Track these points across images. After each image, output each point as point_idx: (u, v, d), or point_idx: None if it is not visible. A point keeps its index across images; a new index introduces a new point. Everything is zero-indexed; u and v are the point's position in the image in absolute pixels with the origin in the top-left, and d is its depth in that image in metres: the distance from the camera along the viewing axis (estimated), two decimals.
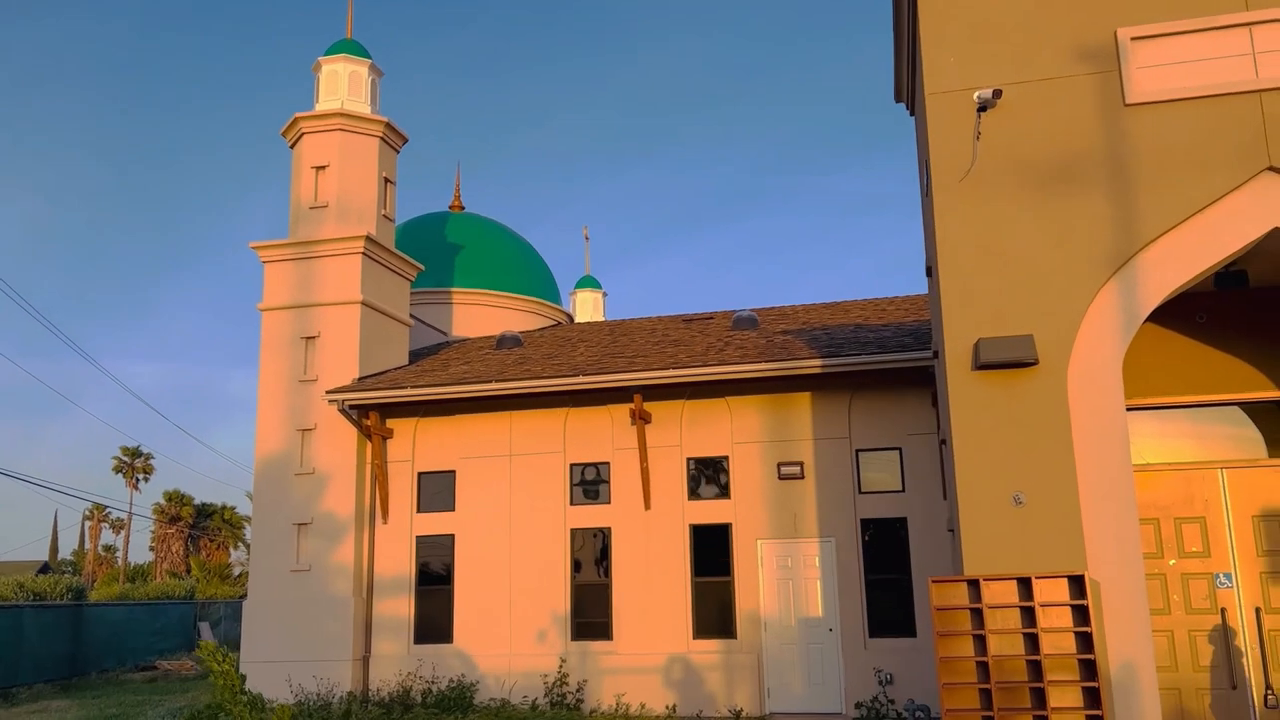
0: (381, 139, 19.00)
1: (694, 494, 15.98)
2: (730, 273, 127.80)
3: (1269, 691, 8.92)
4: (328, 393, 16.88)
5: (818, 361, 14.75)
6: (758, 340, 16.70)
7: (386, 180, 19.18)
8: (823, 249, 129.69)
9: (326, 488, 17.00)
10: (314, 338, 17.59)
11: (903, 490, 15.10)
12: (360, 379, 17.27)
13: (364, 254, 17.76)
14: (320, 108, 19.11)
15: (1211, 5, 8.22)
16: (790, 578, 15.27)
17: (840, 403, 15.55)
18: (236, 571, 47.57)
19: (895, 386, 15.18)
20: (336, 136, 18.57)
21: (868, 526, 15.14)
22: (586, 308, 28.12)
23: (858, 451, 15.40)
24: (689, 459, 16.06)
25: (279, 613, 16.70)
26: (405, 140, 19.63)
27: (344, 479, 16.98)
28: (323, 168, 18.52)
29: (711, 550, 15.71)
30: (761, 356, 15.35)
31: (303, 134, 18.75)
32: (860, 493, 15.25)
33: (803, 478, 15.46)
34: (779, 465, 15.60)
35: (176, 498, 55.24)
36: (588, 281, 28.59)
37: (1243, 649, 9.11)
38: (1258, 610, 9.14)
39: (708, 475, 16.05)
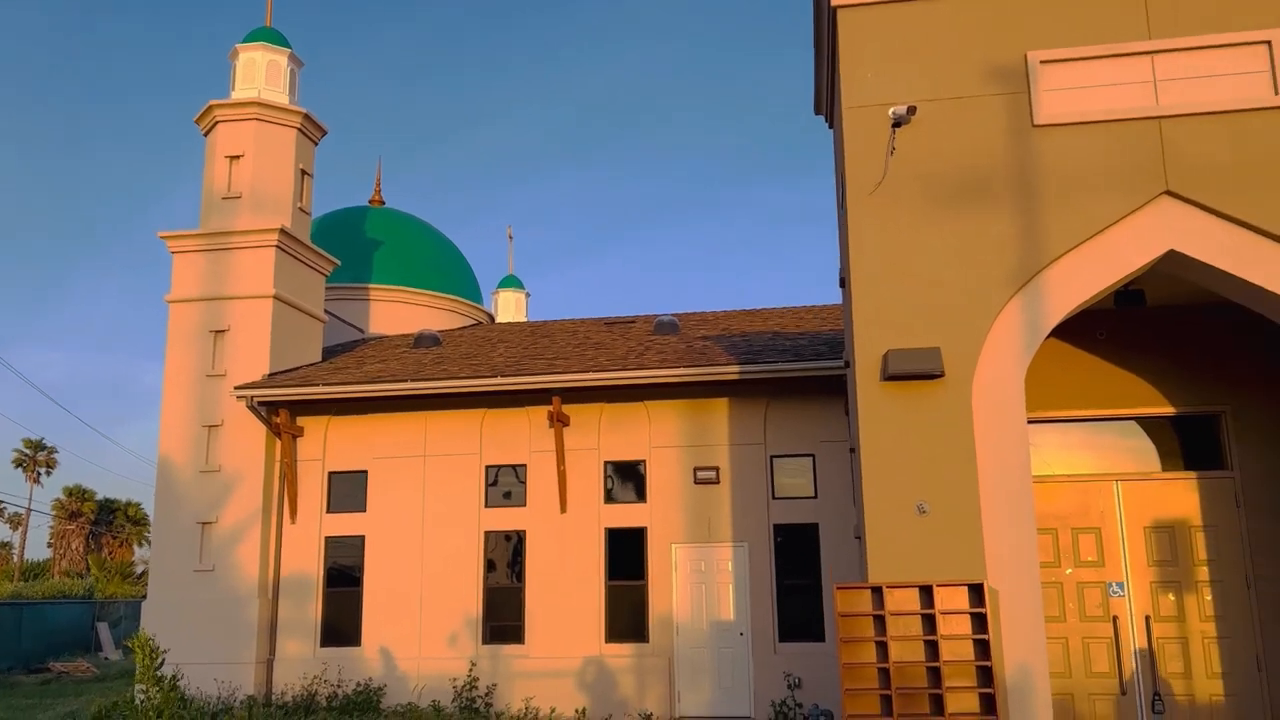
0: (299, 130, 18.59)
1: (610, 498, 15.96)
2: (655, 279, 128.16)
3: (1156, 697, 9.24)
4: (236, 388, 16.44)
5: (735, 368, 14.86)
6: (678, 345, 16.75)
7: (304, 172, 18.77)
8: (745, 259, 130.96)
9: (233, 486, 16.55)
10: (224, 331, 17.12)
11: (815, 496, 15.30)
12: (271, 375, 16.85)
13: (278, 247, 17.35)
14: (236, 96, 18.62)
15: (1117, 33, 8.47)
16: (704, 582, 15.34)
17: (757, 409, 15.69)
18: (140, 570, 46.11)
19: (810, 394, 15.37)
20: (252, 126, 18.11)
21: (780, 532, 15.30)
22: (509, 308, 27.92)
23: (772, 457, 15.56)
24: (606, 462, 16.03)
25: (180, 614, 16.19)
26: (324, 133, 19.25)
27: (251, 477, 16.55)
28: (237, 158, 18.04)
29: (626, 554, 15.71)
30: (681, 361, 15.40)
31: (217, 122, 18.25)
32: (774, 498, 15.41)
33: (718, 483, 15.56)
34: (695, 470, 15.67)
35: (78, 493, 53.33)
36: (510, 281, 28.37)
37: (1133, 656, 9.42)
38: (1147, 618, 9.47)
39: (625, 479, 16.05)
